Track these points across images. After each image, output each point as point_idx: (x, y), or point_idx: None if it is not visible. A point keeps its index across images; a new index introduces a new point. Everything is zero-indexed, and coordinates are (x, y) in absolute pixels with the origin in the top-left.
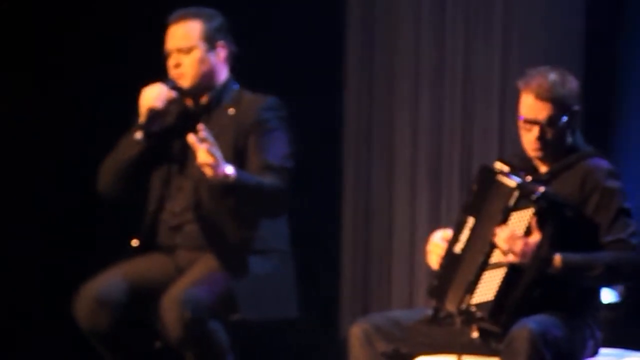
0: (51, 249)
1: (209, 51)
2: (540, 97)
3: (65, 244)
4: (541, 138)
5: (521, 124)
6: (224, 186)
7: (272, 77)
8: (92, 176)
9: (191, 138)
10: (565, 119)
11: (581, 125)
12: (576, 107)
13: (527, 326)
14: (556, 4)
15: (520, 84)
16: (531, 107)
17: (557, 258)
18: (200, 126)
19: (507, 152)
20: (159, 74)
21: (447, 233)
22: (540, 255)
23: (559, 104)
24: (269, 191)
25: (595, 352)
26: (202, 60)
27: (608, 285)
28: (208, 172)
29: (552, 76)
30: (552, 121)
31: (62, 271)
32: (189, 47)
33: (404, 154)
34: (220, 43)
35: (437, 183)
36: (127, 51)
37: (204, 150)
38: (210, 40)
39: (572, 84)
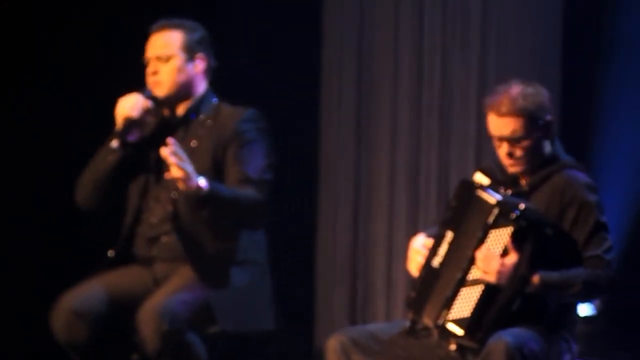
0: (27, 261)
1: (187, 62)
2: (501, 113)
3: (44, 254)
4: (510, 154)
5: (493, 140)
6: (198, 198)
7: (247, 89)
8: (68, 189)
9: (164, 152)
10: (534, 131)
11: (559, 133)
12: (547, 117)
13: (503, 339)
14: (533, 11)
15: (485, 102)
16: (495, 124)
17: (535, 277)
18: (170, 140)
19: (484, 159)
20: (137, 84)
21: (428, 241)
22: (517, 276)
23: (523, 118)
24: (246, 203)
25: None
26: (179, 70)
27: (585, 301)
28: (180, 185)
29: (514, 91)
30: (517, 135)
31: (42, 281)
32: (168, 56)
33: (382, 164)
34: (200, 55)
35: (415, 194)
36: (105, 61)
37: (174, 164)
38: (189, 51)
39: (538, 96)
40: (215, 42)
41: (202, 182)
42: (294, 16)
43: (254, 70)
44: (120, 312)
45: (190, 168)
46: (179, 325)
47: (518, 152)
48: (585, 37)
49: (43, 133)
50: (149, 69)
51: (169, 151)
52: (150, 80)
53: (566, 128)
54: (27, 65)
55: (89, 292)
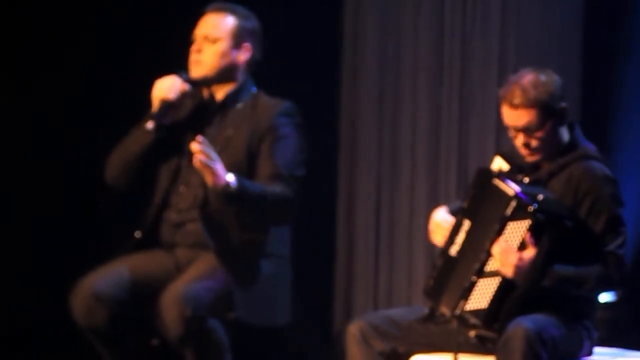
0: (52, 240)
1: (233, 48)
2: (513, 105)
3: (67, 236)
4: (527, 144)
5: (509, 130)
6: (225, 195)
7: (267, 80)
8: (98, 166)
9: (193, 147)
10: (549, 120)
11: (579, 119)
12: (561, 105)
13: (523, 325)
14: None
15: (498, 93)
16: (509, 115)
17: (551, 272)
18: (199, 138)
19: (504, 147)
20: (174, 66)
21: (449, 219)
22: (534, 271)
23: (536, 109)
24: (274, 200)
25: (590, 352)
26: (223, 54)
27: (597, 294)
28: (208, 180)
29: (526, 81)
30: (532, 126)
31: (64, 263)
32: (216, 38)
33: (401, 154)
34: (246, 45)
35: (434, 182)
36: (140, 44)
37: (201, 163)
38: (237, 38)
39: (551, 84)
40: None
41: (231, 178)
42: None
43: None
44: (141, 296)
45: (219, 165)
46: (201, 311)
47: (534, 142)
48: (606, 23)
49: (74, 111)
50: (194, 46)
51: (197, 149)
52: (192, 57)
53: (586, 114)
54: (65, 40)
55: (109, 276)
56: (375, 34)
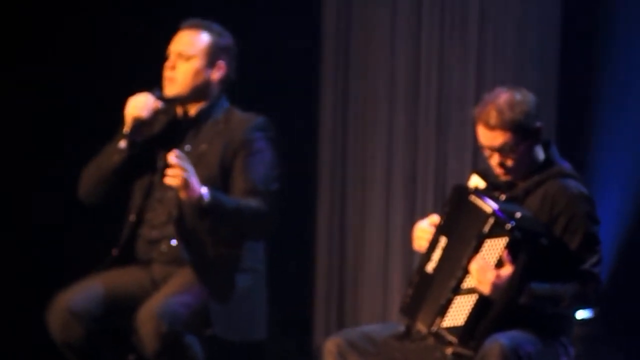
0: (26, 257)
1: (207, 66)
2: (489, 126)
3: (41, 254)
4: (502, 164)
5: (484, 150)
6: (199, 208)
7: (248, 88)
8: (71, 185)
9: (169, 158)
10: (525, 140)
11: (557, 134)
12: (536, 124)
13: (499, 341)
14: (532, 12)
15: (474, 112)
16: (484, 135)
17: (527, 290)
18: (176, 151)
19: (481, 163)
20: (146, 84)
21: (434, 218)
22: (511, 289)
23: (511, 129)
24: (249, 215)
25: None
26: (197, 72)
27: (573, 312)
28: (181, 194)
29: (502, 101)
30: (507, 147)
31: (38, 280)
32: (190, 55)
33: (379, 167)
34: (220, 63)
35: (412, 195)
36: (115, 60)
37: (176, 174)
38: (212, 56)
39: (526, 104)
40: None
41: (204, 191)
42: (294, 23)
43: (253, 73)
44: (117, 312)
45: (193, 178)
46: (177, 327)
47: (509, 162)
48: (583, 35)
49: (44, 129)
50: (168, 63)
51: (173, 162)
52: (166, 74)
53: (564, 129)
54: (35, 59)
55: (85, 292)
56: (354, 48)
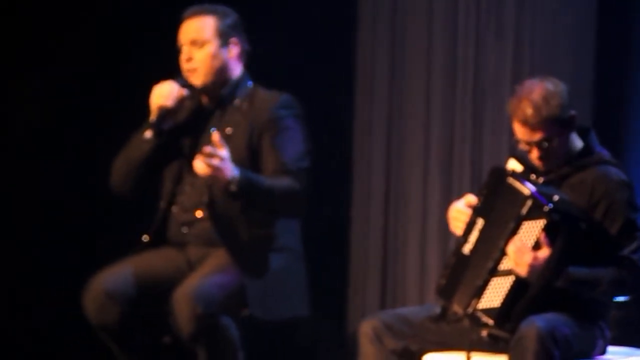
0: (62, 243)
1: (221, 47)
2: (527, 124)
3: (77, 239)
4: (542, 156)
5: (522, 143)
6: (230, 191)
7: (280, 74)
8: (105, 169)
9: (206, 148)
10: (561, 132)
11: (592, 119)
12: (570, 113)
13: (536, 324)
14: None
15: (508, 109)
16: (522, 132)
17: (564, 274)
18: (215, 135)
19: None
20: (171, 71)
21: (470, 198)
22: (548, 271)
23: (548, 123)
24: (283, 194)
25: (604, 351)
26: (214, 56)
27: (610, 298)
28: (209, 180)
29: (536, 96)
30: (546, 140)
31: (73, 266)
32: (202, 41)
33: (416, 148)
34: (234, 40)
35: (448, 178)
36: (139, 48)
37: (206, 162)
38: (223, 37)
39: (559, 96)
40: (252, 27)
41: (235, 175)
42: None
43: (287, 57)
44: (153, 294)
45: (226, 163)
46: (213, 309)
47: (548, 154)
48: (620, 22)
49: (83, 115)
50: (183, 55)
51: (208, 149)
52: (185, 67)
53: (600, 114)
54: (61, 49)
55: (120, 274)
56: (388, 33)
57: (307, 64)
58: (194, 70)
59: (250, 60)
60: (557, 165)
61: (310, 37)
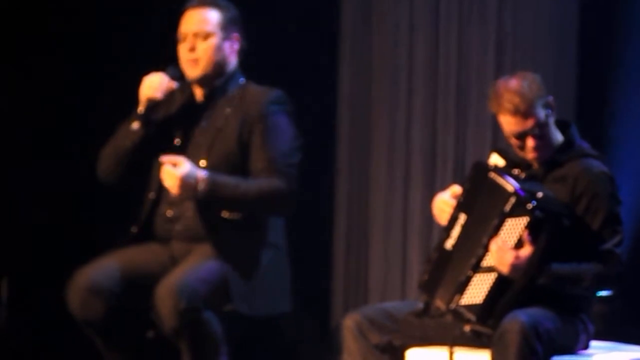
0: (49, 234)
1: (224, 40)
2: (519, 112)
3: (62, 231)
4: (538, 145)
5: (512, 140)
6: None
7: (266, 71)
8: (91, 163)
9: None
10: (548, 115)
11: (574, 111)
12: (549, 98)
13: (519, 318)
14: None
15: (492, 107)
16: (514, 123)
17: (547, 271)
18: (163, 159)
19: (501, 139)
20: (162, 62)
21: (455, 189)
22: (531, 269)
23: (538, 107)
24: (261, 198)
25: (587, 346)
26: (217, 48)
27: (593, 293)
28: (173, 191)
29: (517, 85)
30: (538, 125)
31: (60, 257)
32: (207, 33)
33: (398, 143)
34: (235, 35)
35: (431, 177)
36: (128, 40)
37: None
38: (226, 30)
39: (535, 82)
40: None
41: (202, 185)
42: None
43: (270, 51)
44: (137, 289)
45: (186, 175)
46: (196, 303)
47: (541, 141)
48: (603, 13)
49: (69, 106)
50: (186, 45)
51: (163, 170)
52: (187, 57)
53: (582, 106)
54: (52, 38)
55: (104, 269)
56: (371, 27)
57: (291, 61)
58: (195, 60)
59: (244, 57)
60: (544, 155)
61: (294, 35)
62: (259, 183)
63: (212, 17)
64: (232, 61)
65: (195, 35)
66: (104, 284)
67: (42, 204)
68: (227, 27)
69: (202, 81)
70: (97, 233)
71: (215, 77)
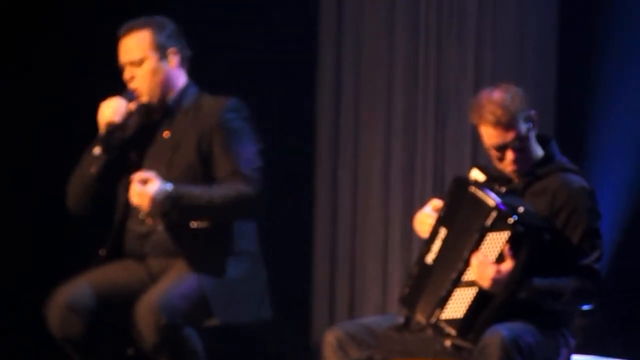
0: (20, 259)
1: (160, 60)
2: (500, 124)
3: (35, 254)
4: (517, 158)
5: (492, 152)
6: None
7: (245, 80)
8: (61, 187)
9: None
10: (530, 127)
11: (555, 124)
12: (531, 112)
13: (499, 332)
14: (529, 5)
15: (473, 118)
16: (495, 135)
17: (528, 285)
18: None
19: (480, 154)
20: (118, 87)
21: (436, 202)
22: (511, 283)
23: (519, 120)
24: (228, 203)
25: (568, 359)
26: (154, 71)
27: (572, 308)
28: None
29: (499, 97)
30: (520, 137)
31: (32, 281)
32: (140, 59)
33: (377, 157)
34: (172, 50)
35: (410, 189)
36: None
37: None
38: (161, 49)
39: (517, 94)
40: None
41: (168, 194)
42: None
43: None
44: (115, 306)
45: (150, 193)
46: (176, 320)
47: (522, 154)
48: (582, 24)
49: (33, 133)
50: (125, 75)
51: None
52: (129, 86)
53: (562, 119)
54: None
55: (83, 287)
56: (350, 40)
57: (269, 70)
58: (137, 89)
59: (212, 65)
60: (524, 169)
61: (271, 42)
62: (224, 189)
63: (141, 40)
64: (179, 75)
65: (131, 64)
66: (83, 302)
67: (15, 228)
68: (161, 45)
69: (153, 103)
70: (76, 253)
71: (165, 96)
